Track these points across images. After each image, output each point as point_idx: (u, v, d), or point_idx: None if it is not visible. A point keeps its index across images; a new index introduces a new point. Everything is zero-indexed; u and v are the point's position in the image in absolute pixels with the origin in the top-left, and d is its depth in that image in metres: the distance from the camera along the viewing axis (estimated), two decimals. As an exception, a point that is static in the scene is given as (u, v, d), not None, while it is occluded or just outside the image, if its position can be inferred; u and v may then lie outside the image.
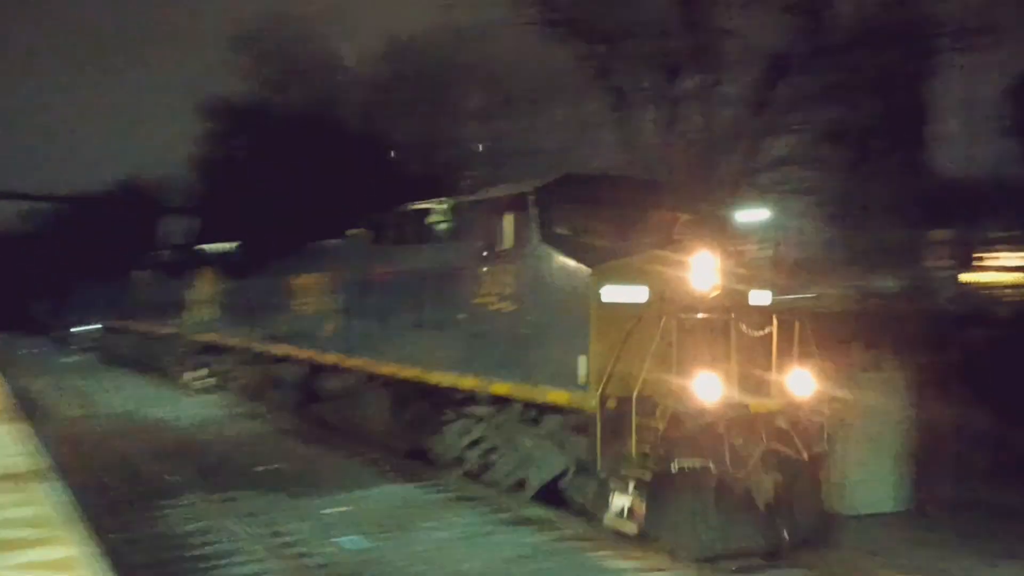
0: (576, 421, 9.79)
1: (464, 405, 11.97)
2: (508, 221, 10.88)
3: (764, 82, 18.60)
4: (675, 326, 9.25)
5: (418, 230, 13.30)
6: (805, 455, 9.25)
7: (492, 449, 11.58)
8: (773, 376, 9.63)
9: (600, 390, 9.17)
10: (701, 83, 19.06)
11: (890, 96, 18.51)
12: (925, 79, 19.48)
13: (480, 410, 11.66)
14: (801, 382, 9.55)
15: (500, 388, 10.80)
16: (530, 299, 10.38)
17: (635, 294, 9.61)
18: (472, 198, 12.15)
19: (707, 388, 8.95)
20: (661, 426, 8.77)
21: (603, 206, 10.94)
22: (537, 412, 10.55)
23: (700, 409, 8.87)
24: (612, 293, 9.53)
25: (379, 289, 14.06)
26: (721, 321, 9.54)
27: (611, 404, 9.19)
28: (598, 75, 19.88)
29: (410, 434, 13.45)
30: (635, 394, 8.82)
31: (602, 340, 9.40)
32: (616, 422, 9.14)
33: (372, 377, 14.14)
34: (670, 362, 9.21)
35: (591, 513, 9.90)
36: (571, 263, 9.85)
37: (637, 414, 8.80)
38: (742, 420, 9.03)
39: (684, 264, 9.76)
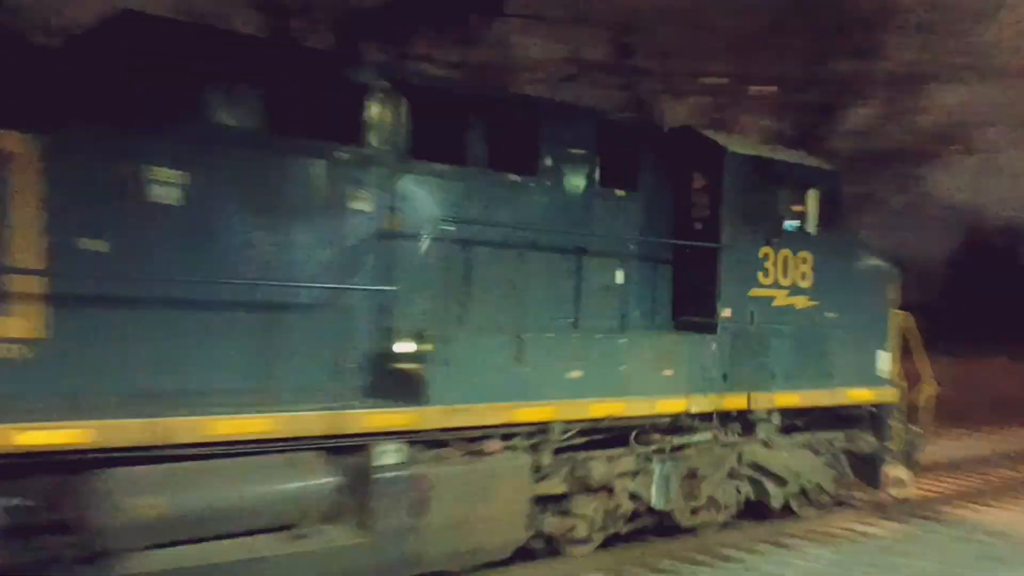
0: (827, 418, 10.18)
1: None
2: (813, 199, 9.72)
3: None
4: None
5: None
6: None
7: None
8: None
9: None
10: None
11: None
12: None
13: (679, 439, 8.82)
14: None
15: (785, 399, 9.42)
16: (828, 296, 9.80)
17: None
18: (778, 156, 9.72)
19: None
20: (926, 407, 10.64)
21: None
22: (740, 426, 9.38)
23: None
24: (897, 291, 10.53)
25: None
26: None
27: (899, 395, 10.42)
28: None
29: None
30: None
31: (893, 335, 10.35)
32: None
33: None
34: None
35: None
36: (874, 258, 10.42)
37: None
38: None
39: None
